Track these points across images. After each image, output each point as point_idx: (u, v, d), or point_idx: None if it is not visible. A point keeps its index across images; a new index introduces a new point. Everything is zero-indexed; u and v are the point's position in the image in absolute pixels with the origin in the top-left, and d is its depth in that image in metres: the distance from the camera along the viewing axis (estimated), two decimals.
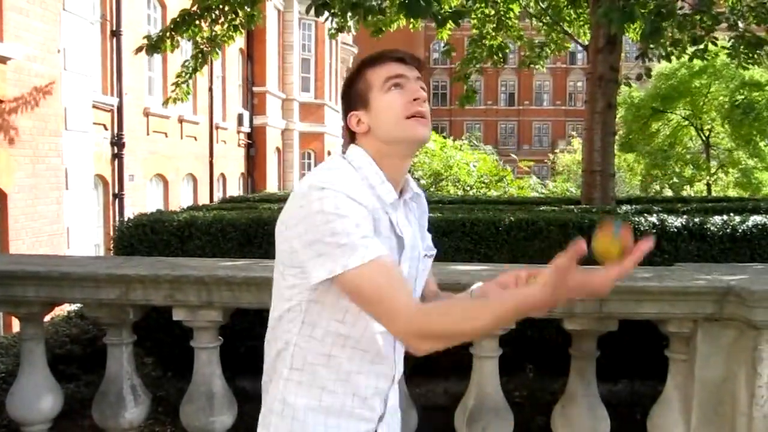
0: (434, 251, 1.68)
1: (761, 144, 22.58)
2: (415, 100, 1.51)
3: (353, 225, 1.38)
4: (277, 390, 1.54)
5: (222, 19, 7.29)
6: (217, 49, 7.69)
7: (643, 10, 5.73)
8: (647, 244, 1.22)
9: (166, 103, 8.26)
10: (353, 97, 1.58)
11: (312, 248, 1.40)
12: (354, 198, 1.41)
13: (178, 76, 7.95)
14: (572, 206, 6.76)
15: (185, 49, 8.96)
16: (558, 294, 1.24)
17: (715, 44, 7.22)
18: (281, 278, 1.52)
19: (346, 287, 1.40)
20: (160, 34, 7.32)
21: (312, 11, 5.59)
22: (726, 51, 7.81)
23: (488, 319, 1.32)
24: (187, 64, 7.91)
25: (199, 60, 7.73)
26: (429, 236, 1.70)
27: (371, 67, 1.57)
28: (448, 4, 8.98)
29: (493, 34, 8.75)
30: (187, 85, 8.00)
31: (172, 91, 8.06)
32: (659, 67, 18.97)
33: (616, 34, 6.55)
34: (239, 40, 16.92)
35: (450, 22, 5.38)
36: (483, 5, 8.53)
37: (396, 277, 1.41)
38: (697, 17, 6.59)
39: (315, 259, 1.40)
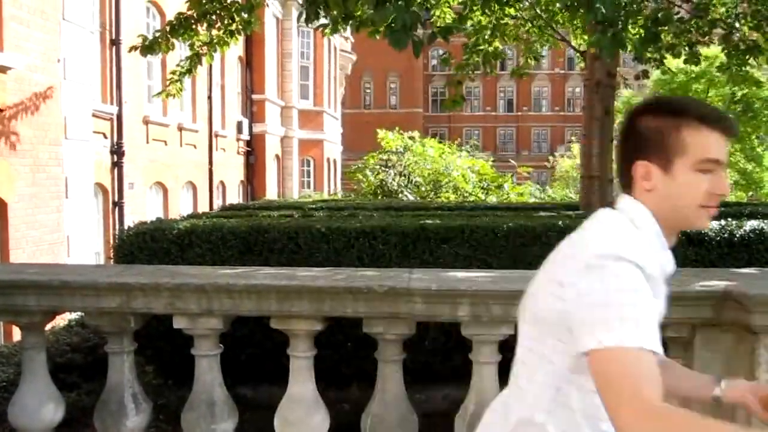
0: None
1: (758, 149, 22.66)
2: (719, 194, 1.40)
3: (644, 302, 1.29)
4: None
5: (219, 24, 7.32)
6: (212, 53, 7.73)
7: (639, 17, 5.76)
8: None
9: (158, 95, 8.36)
10: (654, 142, 1.40)
11: (590, 312, 1.29)
12: (645, 268, 1.32)
13: (173, 73, 8.02)
14: (571, 212, 6.78)
15: (184, 55, 9.01)
16: None
17: (713, 43, 7.26)
18: (539, 338, 1.43)
19: (597, 361, 1.27)
20: (156, 35, 7.35)
21: (307, 20, 5.61)
22: (718, 64, 7.86)
23: None
24: (182, 63, 7.97)
25: (194, 62, 7.77)
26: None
27: (696, 125, 1.38)
28: (446, 5, 9.02)
29: (489, 40, 8.78)
30: (181, 83, 8.06)
31: (167, 86, 8.14)
32: (656, 73, 19.09)
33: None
34: (238, 48, 17.00)
35: (439, 37, 5.32)
36: (479, 13, 8.56)
37: (654, 374, 1.25)
38: (693, 22, 6.64)
39: (589, 325, 1.28)
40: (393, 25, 4.34)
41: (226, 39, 7.49)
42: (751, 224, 4.44)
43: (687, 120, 1.38)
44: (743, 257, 4.28)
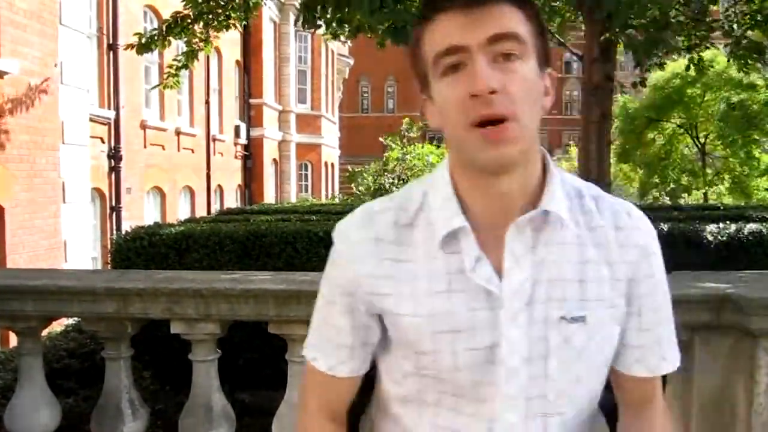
0: (584, 313, 0.99)
1: (755, 152, 22.66)
2: (473, 96, 0.90)
3: (321, 302, 1.12)
4: None
5: (215, 23, 7.36)
6: (209, 47, 7.77)
7: (642, 20, 5.76)
8: None
9: (156, 87, 8.39)
10: (416, 70, 1.02)
11: None
12: (351, 233, 1.06)
13: (170, 67, 8.05)
14: None
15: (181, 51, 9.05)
16: None
17: (711, 46, 7.28)
18: None
19: None
20: (153, 34, 7.37)
21: (304, 24, 5.64)
22: (724, 56, 7.85)
23: None
24: (179, 57, 8.00)
25: (190, 57, 7.81)
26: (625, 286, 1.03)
27: (426, 23, 0.97)
28: None
29: None
30: (178, 77, 8.10)
31: (165, 79, 8.19)
32: (652, 78, 19.12)
33: (609, 46, 6.61)
34: (235, 53, 17.01)
35: None
36: None
37: (315, 387, 1.14)
38: (692, 25, 6.64)
39: None
40: (394, 25, 4.44)
41: (222, 26, 7.52)
42: (749, 227, 4.44)
43: (421, 21, 0.99)
44: (742, 260, 4.27)
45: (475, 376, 0.98)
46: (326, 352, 1.09)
